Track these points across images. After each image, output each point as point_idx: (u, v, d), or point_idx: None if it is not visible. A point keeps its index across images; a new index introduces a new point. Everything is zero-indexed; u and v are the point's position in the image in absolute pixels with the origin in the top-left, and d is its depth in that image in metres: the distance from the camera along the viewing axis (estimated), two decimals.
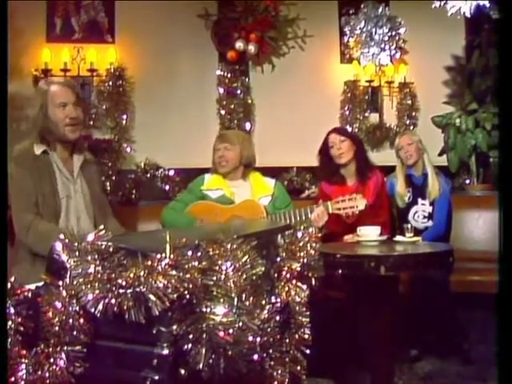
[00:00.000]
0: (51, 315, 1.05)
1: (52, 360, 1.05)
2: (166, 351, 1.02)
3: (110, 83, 3.90)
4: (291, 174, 4.09)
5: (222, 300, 1.04)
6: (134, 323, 1.00)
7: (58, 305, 1.05)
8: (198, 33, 4.15)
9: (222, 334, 1.01)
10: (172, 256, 1.02)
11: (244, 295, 1.06)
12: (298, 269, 1.38)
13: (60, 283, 1.07)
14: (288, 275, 1.36)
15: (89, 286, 1.01)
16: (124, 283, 1.00)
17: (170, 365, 1.02)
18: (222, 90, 4.17)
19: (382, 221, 2.84)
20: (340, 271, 2.21)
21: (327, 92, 4.33)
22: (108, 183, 3.69)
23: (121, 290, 1.00)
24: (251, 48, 4.05)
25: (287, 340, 1.34)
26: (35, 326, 1.08)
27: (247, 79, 4.23)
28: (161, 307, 0.99)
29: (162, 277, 0.99)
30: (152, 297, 0.98)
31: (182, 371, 1.04)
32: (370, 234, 2.54)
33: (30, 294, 1.11)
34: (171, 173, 3.85)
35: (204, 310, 1.03)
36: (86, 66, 3.85)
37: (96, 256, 1.04)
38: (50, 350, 1.06)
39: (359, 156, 3.04)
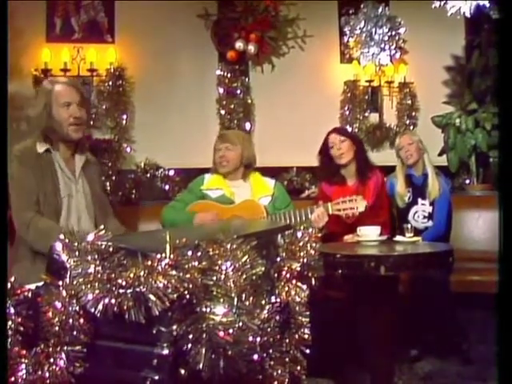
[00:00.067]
0: (51, 315, 1.05)
1: (52, 360, 1.05)
2: (166, 351, 1.02)
3: (110, 83, 3.90)
4: (291, 174, 4.09)
5: (221, 300, 1.04)
6: (134, 323, 1.00)
7: (58, 305, 1.05)
8: (198, 33, 4.15)
9: (221, 333, 1.01)
10: (172, 256, 1.02)
11: (244, 295, 1.06)
12: (298, 269, 1.38)
13: (60, 283, 1.07)
14: (288, 275, 1.36)
15: (89, 286, 1.01)
16: (124, 283, 1.00)
17: (170, 365, 1.02)
18: (221, 90, 4.17)
19: (382, 221, 2.84)
20: (340, 271, 2.21)
21: (327, 92, 4.33)
22: (108, 183, 3.69)
23: (121, 290, 1.00)
24: (251, 48, 4.05)
25: (287, 340, 1.34)
26: (35, 326, 1.08)
27: (247, 79, 4.23)
28: (161, 307, 0.99)
29: (162, 277, 0.99)
30: (152, 297, 0.98)
31: (182, 371, 1.04)
32: (369, 234, 2.54)
33: (29, 294, 1.11)
34: (171, 173, 3.85)
35: (204, 309, 1.03)
36: (85, 66, 3.85)
37: (96, 256, 1.04)
38: (50, 350, 1.06)
39: (359, 156, 3.04)
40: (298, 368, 1.37)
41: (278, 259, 1.39)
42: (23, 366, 1.05)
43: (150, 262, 1.02)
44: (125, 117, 3.96)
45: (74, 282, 1.04)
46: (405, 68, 4.39)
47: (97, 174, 2.53)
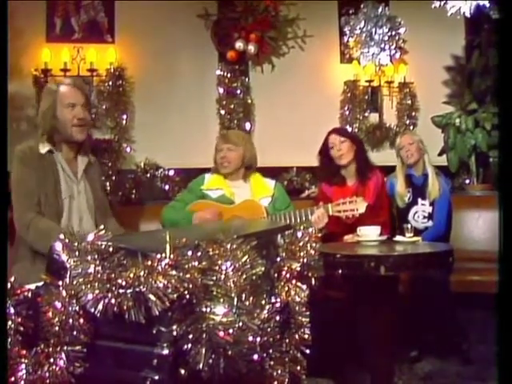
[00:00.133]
0: (51, 315, 1.05)
1: (52, 360, 1.05)
2: (166, 351, 1.02)
3: (110, 83, 3.90)
4: (291, 174, 4.09)
5: (221, 300, 1.04)
6: (134, 323, 1.00)
7: (58, 305, 1.05)
8: (198, 33, 4.15)
9: (221, 333, 1.01)
10: (172, 256, 1.02)
11: (244, 295, 1.06)
12: (298, 269, 1.38)
13: (60, 283, 1.07)
14: (288, 275, 1.36)
15: (89, 285, 1.01)
16: (124, 283, 1.00)
17: (170, 365, 1.02)
18: (221, 90, 4.17)
19: (381, 221, 2.84)
20: (340, 271, 2.21)
21: (327, 92, 4.33)
22: (108, 183, 3.69)
23: (121, 290, 1.00)
24: (251, 48, 4.05)
25: (287, 340, 1.34)
26: (35, 326, 1.08)
27: (247, 79, 4.23)
28: (161, 307, 0.99)
29: (162, 277, 0.99)
30: (152, 297, 0.98)
31: (182, 371, 1.04)
32: (369, 233, 2.54)
33: (29, 294, 1.11)
34: (171, 173, 3.84)
35: (204, 309, 1.03)
36: (85, 66, 3.85)
37: (96, 256, 1.04)
38: (50, 349, 1.06)
39: (359, 156, 3.04)
40: (298, 368, 1.37)
41: (278, 259, 1.39)
42: (23, 365, 1.05)
43: (150, 262, 1.02)
44: (125, 117, 3.96)
45: (74, 282, 1.04)
46: (405, 68, 4.39)
47: (98, 175, 2.53)
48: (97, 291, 1.00)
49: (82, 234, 1.09)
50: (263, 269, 1.14)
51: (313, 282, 1.43)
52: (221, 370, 1.03)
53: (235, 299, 1.04)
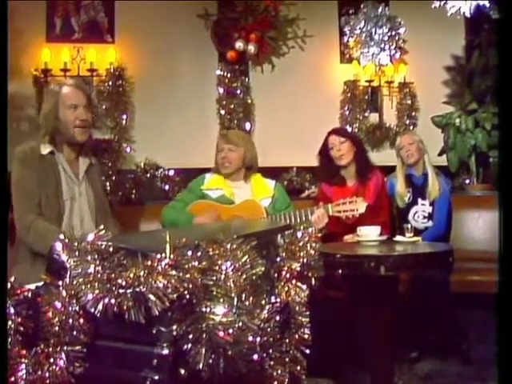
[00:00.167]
0: (51, 315, 1.05)
1: (52, 360, 1.05)
2: (165, 351, 1.02)
3: (110, 83, 3.90)
4: (291, 174, 4.09)
5: (221, 300, 1.04)
6: (134, 323, 1.00)
7: (58, 305, 1.05)
8: (198, 33, 4.15)
9: (221, 333, 1.01)
10: (172, 256, 1.02)
11: (244, 295, 1.06)
12: (298, 269, 1.38)
13: (60, 283, 1.07)
14: (288, 275, 1.36)
15: (89, 286, 1.01)
16: (124, 283, 1.00)
17: (170, 365, 1.02)
18: (221, 90, 4.17)
19: (382, 221, 2.84)
20: (340, 271, 2.21)
21: (327, 92, 4.33)
22: (108, 183, 3.69)
23: (121, 290, 1.00)
24: (251, 48, 4.05)
25: (287, 340, 1.34)
26: (35, 326, 1.08)
27: (247, 79, 4.23)
28: (161, 307, 0.99)
29: (162, 277, 0.99)
30: (152, 297, 0.98)
31: (182, 371, 1.04)
32: (369, 233, 2.54)
33: (29, 294, 1.11)
34: (171, 173, 3.85)
35: (204, 309, 1.03)
36: (85, 66, 3.85)
37: (96, 256, 1.04)
38: (50, 349, 1.06)
39: (359, 157, 3.04)
40: (298, 368, 1.37)
41: (278, 259, 1.39)
42: (23, 366, 1.05)
43: (149, 262, 1.02)
44: (125, 117, 3.96)
45: (74, 282, 1.04)
46: (405, 68, 4.39)
47: (98, 176, 2.54)
48: (97, 291, 1.00)
49: (82, 234, 1.10)
50: (263, 269, 1.14)
51: (313, 282, 1.43)
52: (221, 369, 1.03)
53: (235, 299, 1.04)
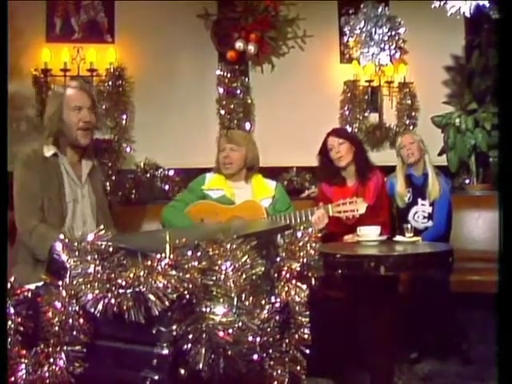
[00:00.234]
0: (51, 315, 1.05)
1: (52, 360, 1.05)
2: (165, 351, 1.02)
3: (110, 83, 3.90)
4: (291, 174, 4.09)
5: (221, 300, 1.04)
6: (134, 323, 1.00)
7: (58, 305, 1.05)
8: (198, 33, 4.15)
9: (221, 333, 1.01)
10: (172, 256, 1.02)
11: (244, 295, 1.06)
12: (298, 269, 1.38)
13: (60, 283, 1.07)
14: (288, 275, 1.36)
15: (88, 285, 1.01)
16: (124, 283, 1.00)
17: (170, 365, 1.02)
18: (221, 90, 4.17)
19: (381, 221, 2.84)
20: (340, 271, 2.21)
21: (327, 92, 4.33)
22: (108, 183, 3.69)
23: (121, 290, 1.00)
24: (251, 48, 4.05)
25: (287, 340, 1.34)
26: (35, 326, 1.08)
27: (247, 79, 4.23)
28: (160, 307, 0.99)
29: (162, 277, 0.99)
30: (152, 297, 0.98)
31: (182, 371, 1.04)
32: (369, 233, 2.54)
33: (29, 294, 1.11)
34: (171, 173, 3.85)
35: (204, 309, 1.03)
36: (85, 66, 3.85)
37: (96, 256, 1.04)
38: (50, 349, 1.06)
39: (359, 157, 3.03)
40: (298, 368, 1.37)
41: (278, 259, 1.39)
42: (23, 365, 1.05)
43: (149, 262, 1.02)
44: (125, 117, 3.96)
45: (74, 282, 1.04)
46: (405, 68, 4.39)
47: (100, 179, 2.54)
48: (97, 291, 1.00)
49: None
50: (263, 269, 1.14)
51: (313, 282, 1.43)
52: (221, 369, 1.03)
53: (235, 299, 1.04)
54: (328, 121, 3.92)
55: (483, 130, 3.97)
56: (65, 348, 1.05)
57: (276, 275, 1.36)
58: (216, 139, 3.12)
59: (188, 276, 1.02)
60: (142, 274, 1.00)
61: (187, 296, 1.02)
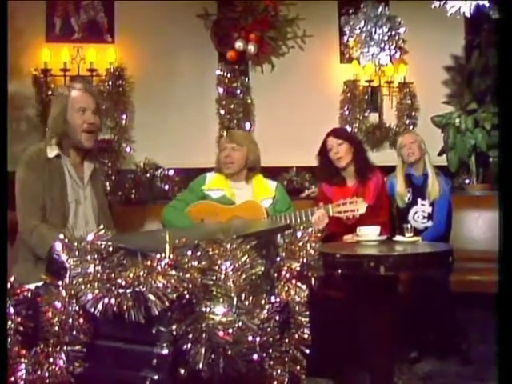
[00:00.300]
0: (51, 315, 1.05)
1: (52, 360, 1.05)
2: (165, 351, 1.02)
3: (110, 83, 3.90)
4: (291, 174, 4.09)
5: (221, 300, 1.04)
6: (134, 323, 1.00)
7: (58, 305, 1.05)
8: (198, 33, 4.15)
9: (221, 333, 1.01)
10: (172, 256, 1.02)
11: (243, 295, 1.06)
12: (298, 269, 1.38)
13: (60, 283, 1.07)
14: (288, 275, 1.36)
15: (88, 285, 1.01)
16: (124, 283, 1.00)
17: (170, 365, 1.02)
18: (221, 90, 4.17)
19: (381, 221, 2.84)
20: (340, 271, 2.21)
21: (327, 92, 4.33)
22: (108, 183, 3.68)
23: (120, 290, 1.00)
24: (251, 48, 4.05)
25: (287, 340, 1.34)
26: (35, 326, 1.08)
27: (247, 79, 4.23)
28: (160, 307, 0.99)
29: (162, 277, 0.99)
30: (152, 297, 0.98)
31: (182, 371, 1.04)
32: (369, 233, 2.54)
33: (29, 294, 1.11)
34: (171, 172, 3.85)
35: (204, 309, 1.03)
36: (85, 66, 3.85)
37: (96, 256, 1.04)
38: (50, 349, 1.06)
39: (358, 157, 3.03)
40: (298, 368, 1.37)
41: (278, 259, 1.39)
42: (23, 365, 1.05)
43: (149, 262, 1.02)
44: (124, 117, 3.96)
45: (74, 282, 1.04)
46: (405, 68, 4.39)
47: (101, 180, 2.54)
48: (97, 291, 1.00)
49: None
50: (263, 269, 1.14)
51: (313, 281, 1.43)
52: (220, 369, 1.03)
53: (235, 299, 1.04)
54: (328, 121, 3.92)
55: (483, 130, 3.97)
56: (65, 348, 1.05)
57: (276, 275, 1.36)
58: (216, 139, 3.12)
59: (188, 276, 1.02)
60: (141, 273, 1.00)
61: (187, 296, 1.02)
